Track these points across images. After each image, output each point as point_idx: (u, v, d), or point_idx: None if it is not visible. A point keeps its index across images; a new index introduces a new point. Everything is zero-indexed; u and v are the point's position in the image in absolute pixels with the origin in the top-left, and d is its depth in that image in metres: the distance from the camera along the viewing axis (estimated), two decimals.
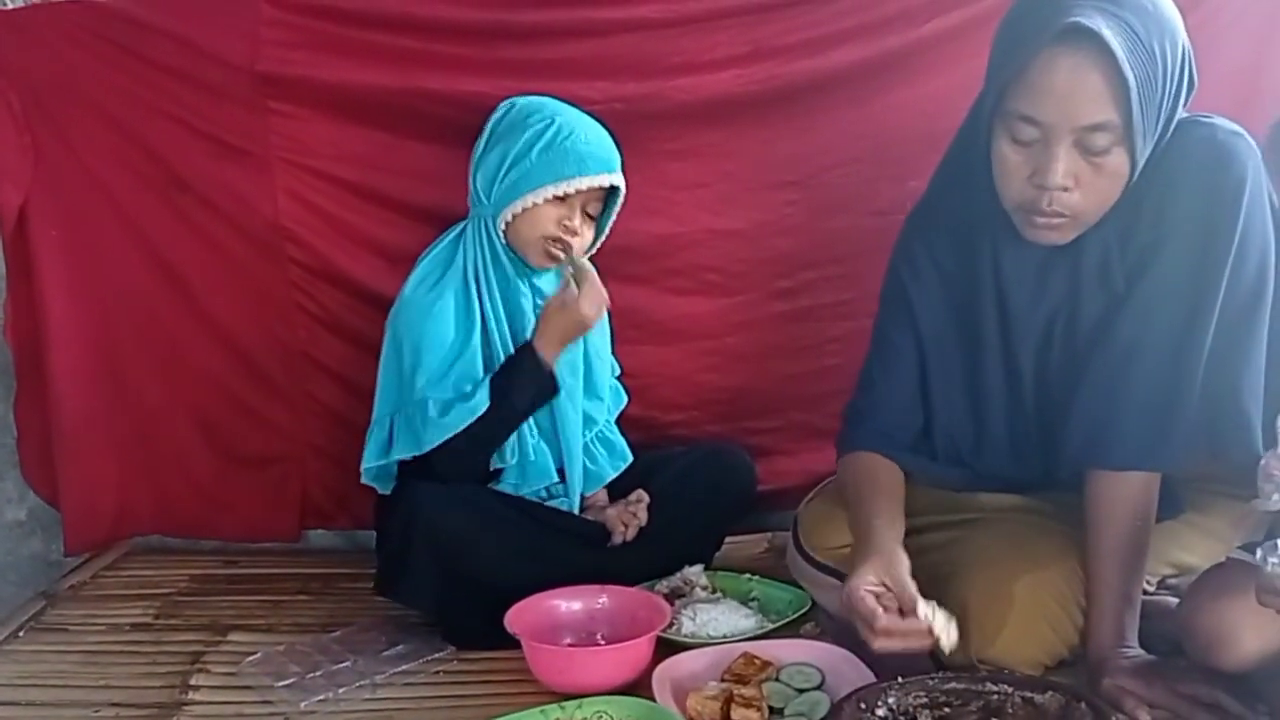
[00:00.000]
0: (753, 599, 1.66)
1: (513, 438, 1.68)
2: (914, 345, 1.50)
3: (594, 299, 1.67)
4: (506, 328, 1.71)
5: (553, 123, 1.68)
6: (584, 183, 1.66)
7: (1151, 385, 1.34)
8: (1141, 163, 1.30)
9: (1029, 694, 1.25)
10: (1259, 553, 1.18)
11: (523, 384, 1.65)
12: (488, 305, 1.70)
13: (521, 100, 1.74)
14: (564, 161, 1.66)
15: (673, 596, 1.63)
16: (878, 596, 1.29)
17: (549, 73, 1.87)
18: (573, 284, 1.67)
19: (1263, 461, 1.22)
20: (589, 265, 1.71)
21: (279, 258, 1.93)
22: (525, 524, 1.64)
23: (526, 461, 1.70)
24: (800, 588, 1.65)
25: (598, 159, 1.68)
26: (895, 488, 1.47)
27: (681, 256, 1.98)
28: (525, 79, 1.84)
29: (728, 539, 1.85)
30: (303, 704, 1.41)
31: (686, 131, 1.93)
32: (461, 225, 1.75)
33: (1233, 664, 1.24)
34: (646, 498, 1.75)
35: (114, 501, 1.98)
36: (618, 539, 1.71)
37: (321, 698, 1.42)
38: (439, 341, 1.66)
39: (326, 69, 1.88)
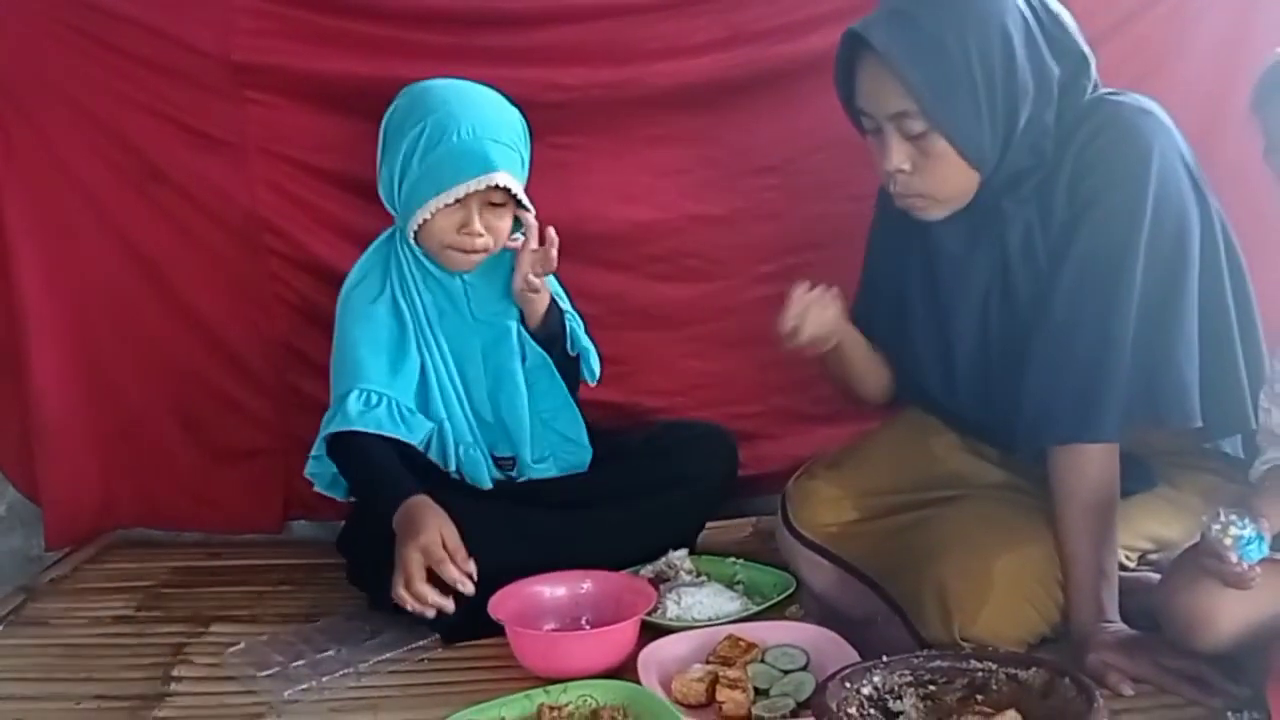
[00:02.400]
0: (738, 582, 1.66)
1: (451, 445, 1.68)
2: (871, 291, 1.65)
3: (424, 555, 1.47)
4: (439, 330, 1.70)
5: (426, 125, 1.61)
6: (462, 190, 1.59)
7: (1083, 360, 1.37)
8: (982, 142, 1.38)
9: (1013, 670, 1.25)
10: (1203, 519, 1.19)
11: (383, 504, 1.56)
12: (412, 310, 1.68)
13: (404, 97, 1.68)
14: (442, 168, 1.60)
15: (657, 581, 1.63)
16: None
17: (526, 59, 1.87)
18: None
19: (1260, 420, 1.30)
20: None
21: (257, 248, 1.92)
22: (494, 513, 1.62)
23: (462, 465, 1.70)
24: (785, 570, 1.65)
25: (475, 158, 1.60)
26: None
27: (663, 243, 1.98)
28: (502, 66, 1.84)
29: (711, 524, 1.84)
30: (286, 693, 1.40)
31: (666, 117, 1.93)
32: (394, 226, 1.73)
33: (1210, 645, 1.24)
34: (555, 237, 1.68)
35: (95, 495, 1.97)
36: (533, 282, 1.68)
37: (305, 686, 1.41)
38: (374, 344, 1.65)
39: (302, 58, 1.87)
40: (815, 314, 1.51)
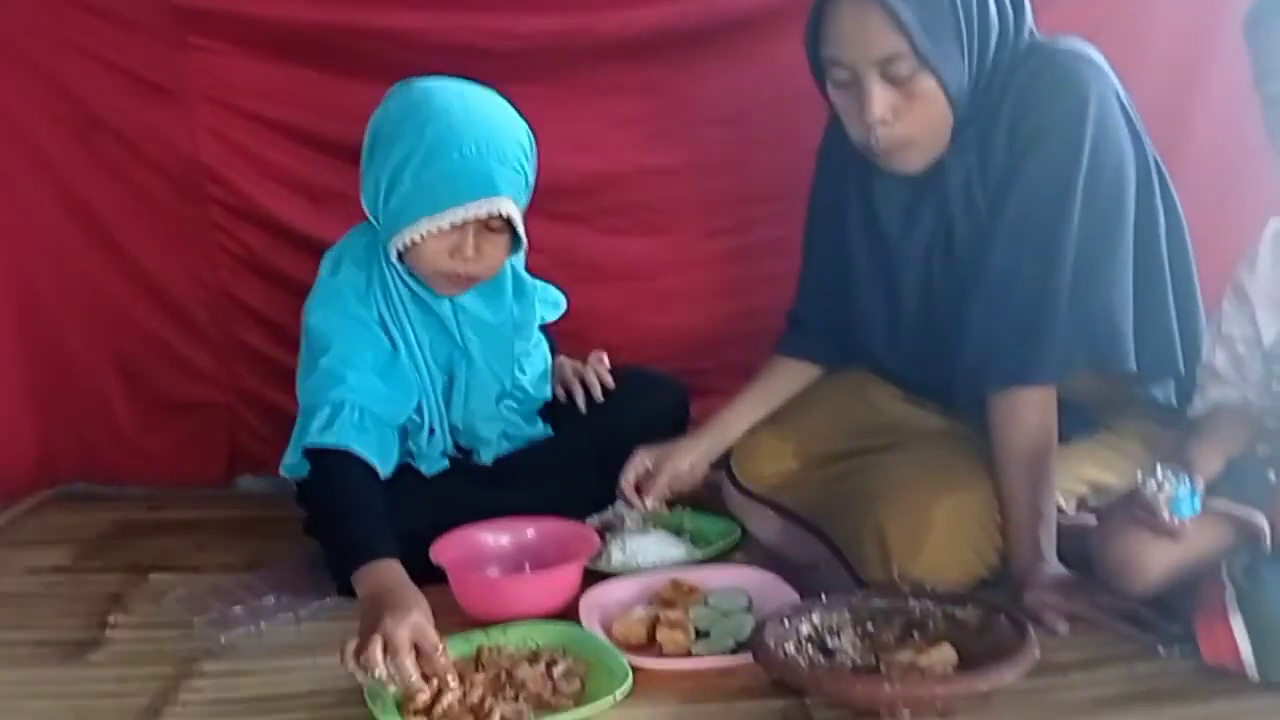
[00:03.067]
0: (684, 530, 1.65)
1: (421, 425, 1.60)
2: (814, 243, 1.64)
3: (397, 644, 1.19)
4: (429, 352, 1.59)
5: (422, 139, 1.46)
6: (460, 214, 1.46)
7: (1022, 304, 1.38)
8: (961, 81, 1.36)
9: (950, 608, 1.26)
10: (1139, 474, 1.21)
11: (340, 560, 1.40)
12: (398, 327, 1.57)
13: (399, 98, 1.53)
14: (439, 188, 1.45)
15: (604, 530, 1.62)
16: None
17: (479, 6, 1.85)
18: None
19: (1205, 358, 1.32)
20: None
21: (200, 198, 1.89)
22: (450, 486, 1.60)
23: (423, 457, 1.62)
24: (732, 518, 1.65)
25: (477, 180, 1.46)
26: (775, 382, 1.66)
27: (615, 194, 1.97)
28: (454, 12, 1.82)
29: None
30: (223, 637, 1.38)
31: (618, 67, 1.92)
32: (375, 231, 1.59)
33: (1140, 589, 1.26)
34: (605, 357, 1.73)
35: (33, 449, 1.95)
36: (581, 405, 1.72)
37: (243, 631, 1.40)
38: (361, 352, 1.51)
39: (247, 3, 1.84)
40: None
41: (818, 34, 1.41)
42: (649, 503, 1.60)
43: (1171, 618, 1.23)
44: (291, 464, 1.51)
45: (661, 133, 1.94)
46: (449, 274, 1.52)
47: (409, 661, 1.16)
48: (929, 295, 1.49)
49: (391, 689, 1.17)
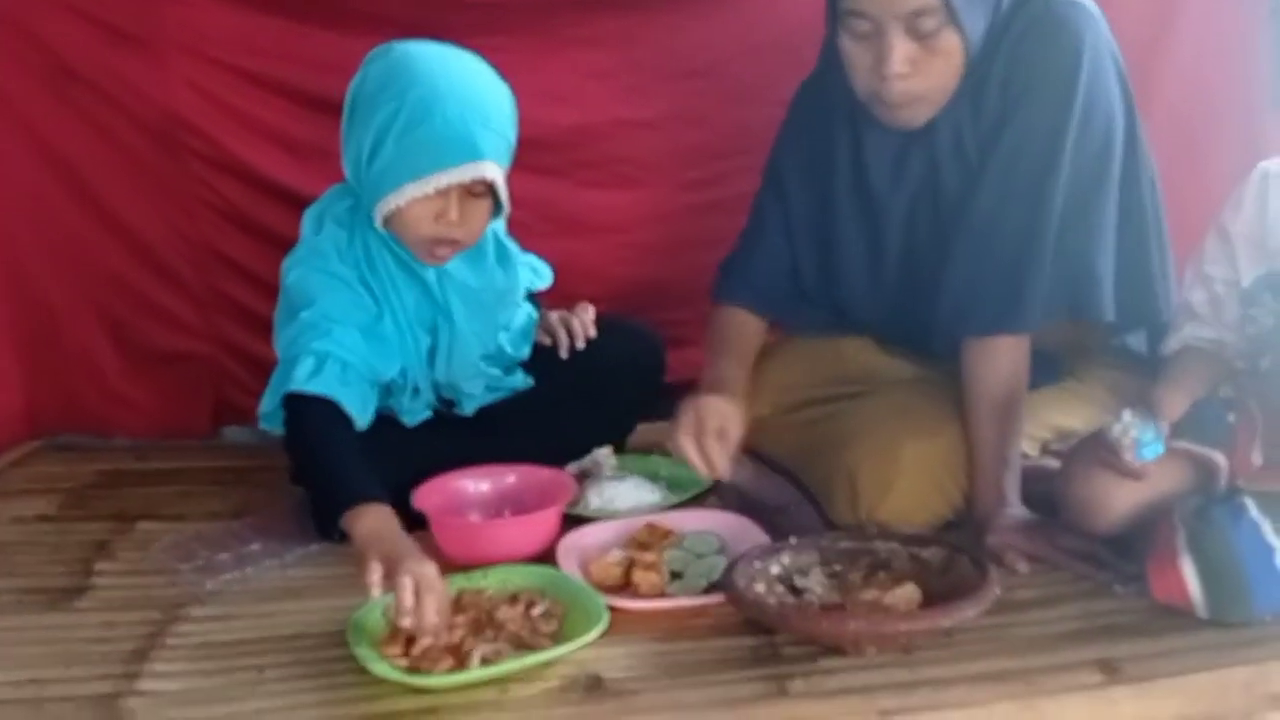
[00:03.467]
0: (660, 477, 1.69)
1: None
2: (781, 213, 1.58)
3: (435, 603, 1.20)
4: (414, 317, 1.60)
5: (404, 103, 1.45)
6: (443, 179, 1.46)
7: (1008, 252, 1.40)
8: (977, 37, 1.35)
9: (914, 549, 1.31)
10: (1108, 419, 1.25)
11: (324, 490, 1.43)
12: (380, 289, 1.57)
13: (378, 61, 1.51)
14: (422, 153, 1.45)
15: (581, 477, 1.66)
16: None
17: None
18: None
19: (1183, 295, 1.34)
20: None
21: (179, 151, 1.89)
22: (432, 436, 1.63)
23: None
24: None
25: (460, 145, 1.45)
26: (746, 346, 1.57)
27: (592, 147, 1.97)
28: None
29: (641, 426, 1.87)
30: (210, 584, 1.41)
31: (594, 18, 1.92)
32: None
33: (1104, 528, 1.30)
34: (591, 307, 1.74)
35: (18, 401, 1.96)
36: (563, 351, 1.72)
37: (229, 577, 1.43)
38: (344, 308, 1.52)
39: None
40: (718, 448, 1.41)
41: None
42: (722, 465, 1.41)
43: (1128, 558, 1.28)
44: (268, 412, 1.52)
45: (636, 85, 1.95)
46: (433, 239, 1.52)
47: (432, 604, 1.18)
48: (912, 244, 1.49)
49: (405, 622, 1.17)
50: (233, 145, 1.90)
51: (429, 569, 1.21)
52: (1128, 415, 1.25)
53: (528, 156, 1.93)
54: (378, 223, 1.53)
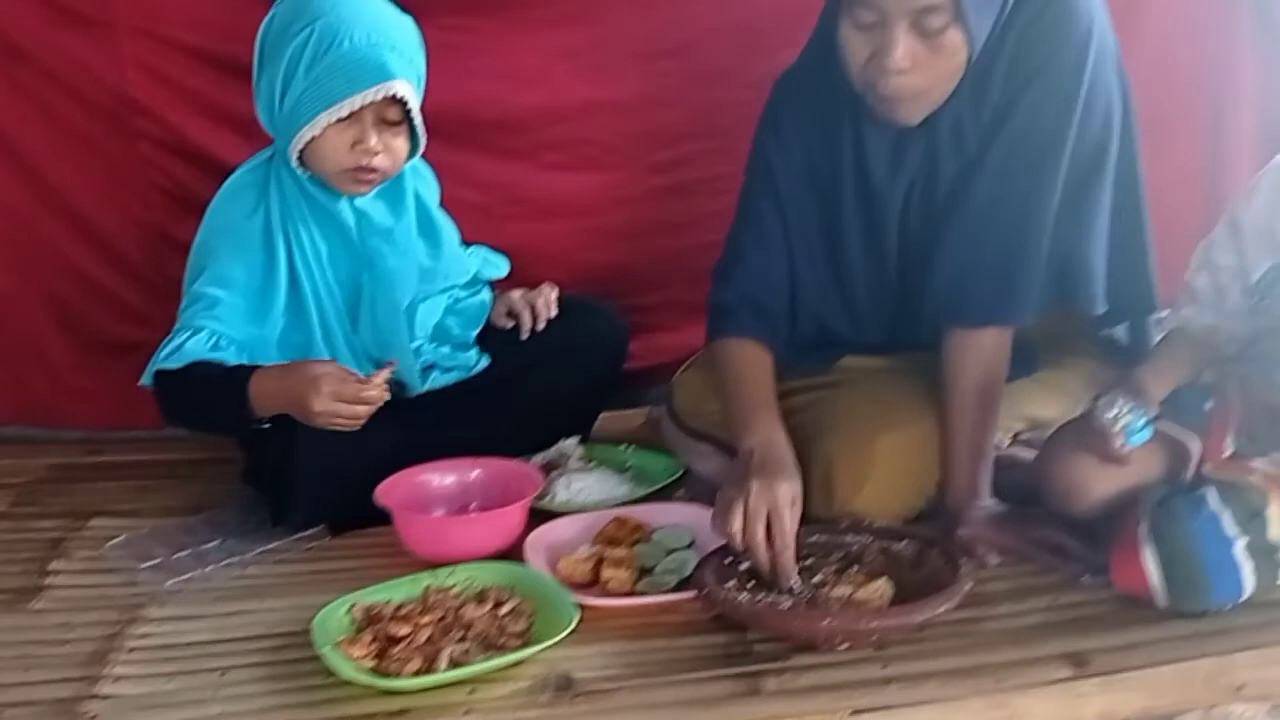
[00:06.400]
0: (628, 468, 1.67)
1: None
2: (778, 214, 1.50)
3: (340, 396, 1.42)
4: (327, 266, 1.58)
5: (312, 32, 1.46)
6: (357, 101, 1.46)
7: (1003, 243, 1.38)
8: (981, 37, 1.32)
9: (886, 543, 1.30)
10: (1091, 402, 1.25)
11: (224, 395, 1.48)
12: (296, 244, 1.56)
13: (283, 6, 1.52)
14: (333, 78, 1.45)
15: (548, 469, 1.64)
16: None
17: None
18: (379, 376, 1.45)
19: (1187, 278, 1.32)
20: (383, 379, 1.46)
21: (130, 133, 1.84)
22: (393, 427, 1.57)
23: None
24: (675, 455, 1.67)
25: (370, 66, 1.46)
26: (768, 384, 1.45)
27: (557, 129, 1.94)
28: None
29: (606, 414, 1.85)
30: (168, 583, 1.38)
31: None
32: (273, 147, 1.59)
33: (1084, 510, 1.31)
34: (555, 289, 1.72)
35: None
36: (524, 333, 1.70)
37: (188, 576, 1.40)
38: (235, 280, 1.53)
39: None
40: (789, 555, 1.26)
41: None
42: (790, 572, 1.25)
43: (1096, 549, 1.28)
44: (147, 381, 1.54)
45: (604, 66, 1.91)
46: (353, 169, 1.51)
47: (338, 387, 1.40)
48: (907, 233, 1.46)
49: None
50: (185, 127, 1.85)
51: (325, 369, 1.43)
52: (1121, 401, 1.25)
53: (493, 139, 1.92)
54: (294, 161, 1.52)
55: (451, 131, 1.82)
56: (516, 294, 1.76)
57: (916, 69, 1.32)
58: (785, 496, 1.26)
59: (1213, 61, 1.95)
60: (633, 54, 1.91)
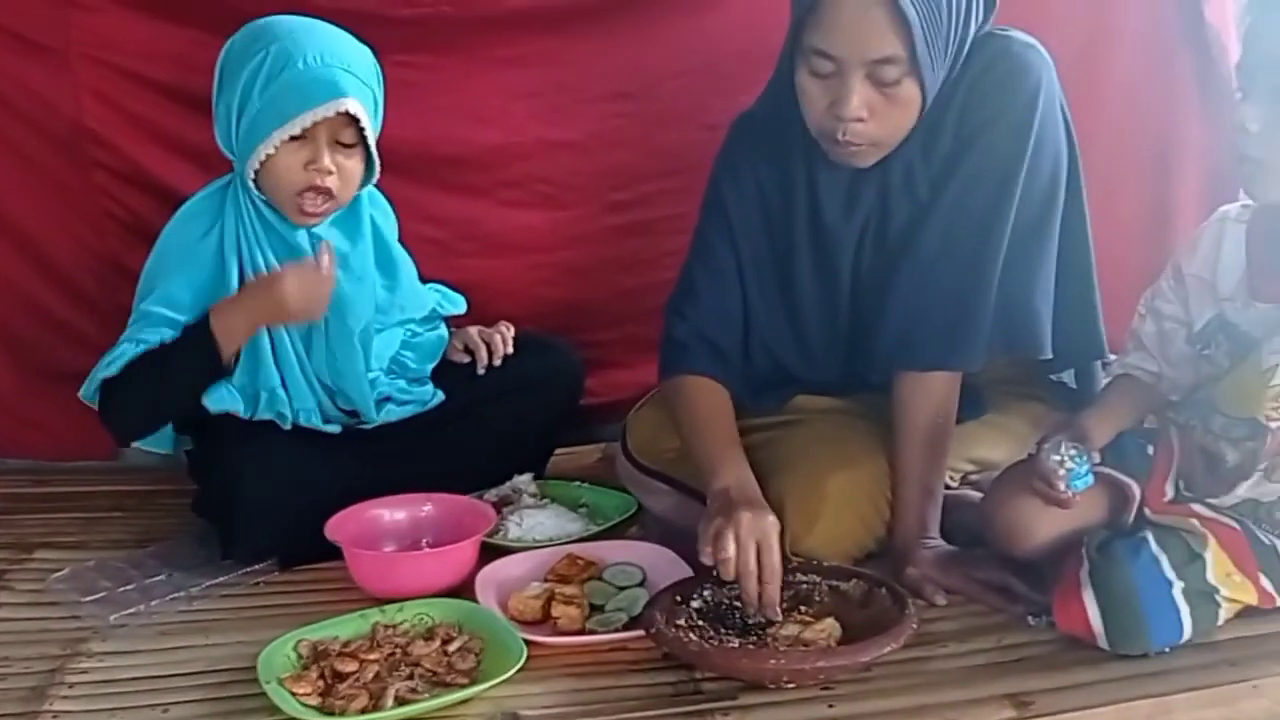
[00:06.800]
0: (582, 505, 1.68)
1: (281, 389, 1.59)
2: (731, 250, 1.52)
3: (304, 286, 1.48)
4: None
5: (268, 54, 1.48)
6: (309, 118, 1.47)
7: (953, 290, 1.40)
8: (934, 89, 1.35)
9: (835, 582, 1.31)
10: (1036, 446, 1.27)
11: (185, 347, 1.50)
12: (251, 266, 1.56)
13: (242, 31, 1.55)
14: (286, 97, 1.47)
15: (501, 505, 1.64)
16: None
17: None
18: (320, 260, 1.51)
19: (1133, 325, 1.35)
20: (329, 256, 1.52)
21: (84, 162, 1.83)
22: (346, 460, 1.60)
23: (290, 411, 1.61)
24: (630, 493, 1.67)
25: (322, 85, 1.48)
26: (732, 420, 1.47)
27: (516, 168, 1.95)
28: None
29: (560, 450, 1.86)
30: (113, 617, 1.36)
31: (520, 39, 1.90)
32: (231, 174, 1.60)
33: (1028, 553, 1.32)
34: (511, 328, 1.75)
35: None
36: (480, 368, 1.71)
37: (133, 611, 1.38)
38: (182, 303, 1.53)
39: None
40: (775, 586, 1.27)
41: (809, 20, 1.33)
42: (775, 604, 1.26)
43: (1041, 590, 1.30)
44: (88, 394, 1.54)
45: (561, 106, 1.93)
46: (305, 187, 1.51)
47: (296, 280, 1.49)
48: (859, 274, 1.48)
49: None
50: (140, 156, 1.84)
51: (278, 273, 1.48)
52: (1065, 446, 1.27)
53: (450, 175, 1.93)
54: (250, 181, 1.53)
55: (410, 167, 1.83)
56: (473, 330, 1.77)
57: (873, 118, 1.34)
58: (774, 530, 1.28)
59: (1159, 117, 2.00)
60: (591, 96, 1.93)
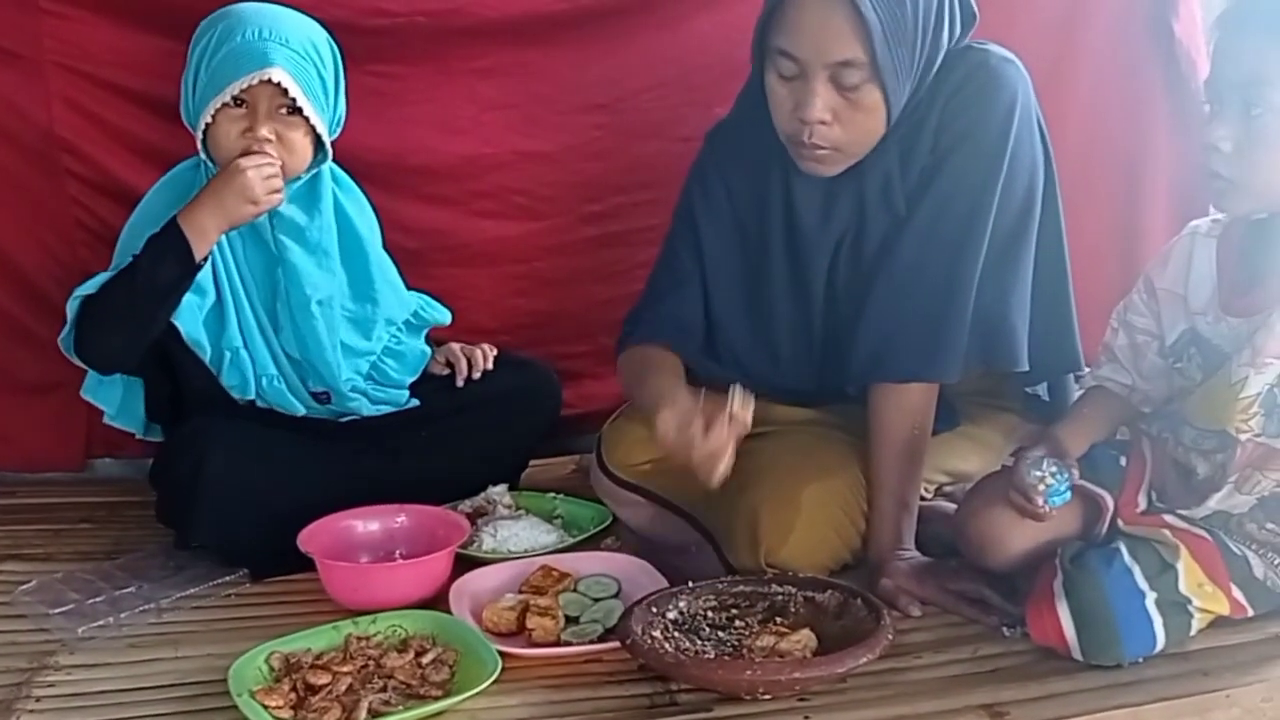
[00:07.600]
0: (556, 516, 1.67)
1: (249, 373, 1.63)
2: (696, 263, 1.54)
3: (261, 169, 1.52)
4: (241, 258, 1.63)
5: (215, 32, 1.56)
6: (238, 86, 1.52)
7: (929, 302, 1.41)
8: (901, 99, 1.36)
9: (810, 594, 1.32)
10: (1013, 459, 1.28)
11: (158, 248, 1.53)
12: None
13: (208, 18, 1.61)
14: (223, 68, 1.54)
15: (476, 516, 1.63)
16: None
17: None
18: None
19: (1106, 338, 1.37)
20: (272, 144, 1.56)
21: (54, 170, 1.81)
22: (317, 453, 1.61)
23: (265, 395, 1.65)
24: (604, 504, 1.67)
25: (253, 55, 1.53)
26: (678, 369, 1.47)
27: (489, 178, 1.95)
28: None
29: (535, 462, 1.85)
30: (81, 630, 1.34)
31: (494, 49, 1.89)
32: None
33: (1001, 564, 1.33)
34: (494, 349, 1.78)
35: None
36: (459, 379, 1.75)
37: (102, 623, 1.36)
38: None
39: None
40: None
41: (773, 20, 1.36)
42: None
43: (1016, 601, 1.31)
44: (70, 317, 1.57)
45: (536, 117, 1.93)
46: (244, 152, 1.54)
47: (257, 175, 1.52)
48: (834, 285, 1.49)
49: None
50: (111, 165, 1.82)
51: (233, 166, 1.51)
52: (1047, 463, 1.28)
53: (424, 185, 1.92)
54: (202, 153, 1.59)
55: (383, 176, 1.83)
56: (456, 346, 1.80)
57: (837, 122, 1.36)
58: (727, 413, 1.25)
59: (1128, 133, 2.02)
60: (566, 107, 1.93)
